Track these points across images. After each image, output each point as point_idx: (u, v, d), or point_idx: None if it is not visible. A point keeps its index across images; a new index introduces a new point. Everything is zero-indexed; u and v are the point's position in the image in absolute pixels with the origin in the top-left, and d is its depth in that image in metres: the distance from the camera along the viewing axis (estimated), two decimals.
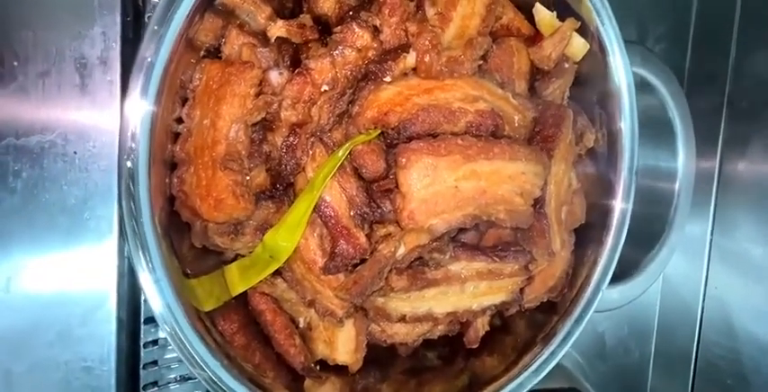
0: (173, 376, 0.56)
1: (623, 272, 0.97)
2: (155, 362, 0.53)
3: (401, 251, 0.50)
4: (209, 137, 0.39)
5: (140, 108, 0.37)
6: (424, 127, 0.44)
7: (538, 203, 0.56)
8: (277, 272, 0.50)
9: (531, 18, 0.59)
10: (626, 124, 0.60)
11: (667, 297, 1.04)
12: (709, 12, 0.92)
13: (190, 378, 0.59)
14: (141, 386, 0.50)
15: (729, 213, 0.97)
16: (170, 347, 0.51)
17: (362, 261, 0.47)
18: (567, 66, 0.58)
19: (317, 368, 0.55)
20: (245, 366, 0.47)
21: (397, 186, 0.44)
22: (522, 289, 0.61)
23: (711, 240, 0.98)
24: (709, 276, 1.02)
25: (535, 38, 0.58)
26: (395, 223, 0.48)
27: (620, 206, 0.62)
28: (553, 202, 0.58)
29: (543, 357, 0.60)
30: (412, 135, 0.44)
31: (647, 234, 0.99)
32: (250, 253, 0.48)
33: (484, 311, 0.59)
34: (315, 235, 0.45)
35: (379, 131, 0.45)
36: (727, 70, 0.94)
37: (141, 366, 0.50)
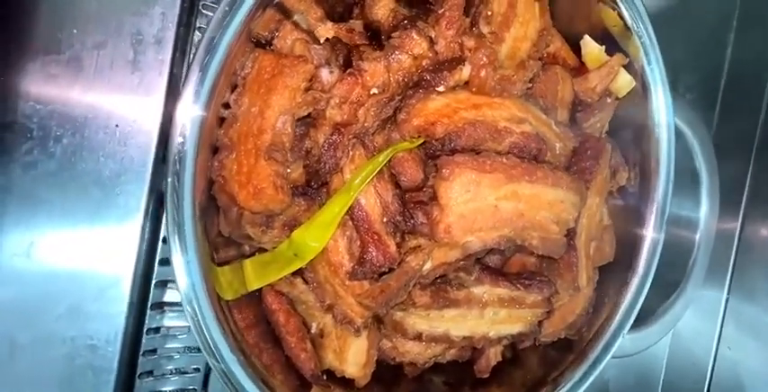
0: (170, 367, 0.52)
1: (637, 320, 0.92)
2: (154, 351, 0.49)
3: (428, 266, 0.47)
4: (256, 125, 0.37)
5: (200, 90, 0.36)
6: (469, 142, 0.41)
7: (569, 235, 0.53)
8: (298, 272, 0.47)
9: (576, 50, 0.57)
10: (662, 167, 0.57)
11: (677, 351, 0.98)
12: (742, 68, 0.90)
13: (186, 372, 0.55)
14: (138, 373, 0.46)
15: (747, 276, 0.92)
16: (173, 335, 0.48)
17: (389, 270, 0.44)
18: (609, 100, 0.56)
19: (324, 377, 0.51)
20: (257, 364, 0.44)
21: (434, 198, 0.41)
22: (540, 322, 0.57)
23: (727, 299, 0.92)
24: (722, 335, 0.96)
25: (579, 70, 0.56)
26: (425, 236, 0.45)
27: (649, 249, 0.58)
28: (584, 236, 0.54)
29: None
30: (455, 148, 0.41)
31: (664, 282, 0.94)
32: (273, 248, 0.46)
33: (500, 340, 0.54)
34: (344, 237, 0.42)
35: (422, 141, 0.43)
36: (756, 129, 0.91)
37: (141, 352, 0.46)
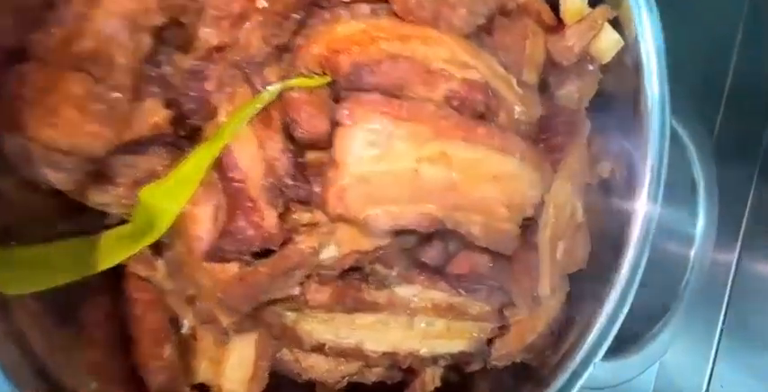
0: None
1: (618, 346, 0.80)
2: None
3: (331, 252, 0.35)
4: (78, 28, 0.27)
5: None
6: (388, 81, 0.30)
7: (528, 228, 0.41)
8: (161, 250, 0.36)
9: (555, 9, 0.47)
10: (652, 158, 0.45)
11: (663, 387, 0.85)
12: (748, 70, 0.79)
13: None
14: None
15: (745, 307, 0.80)
16: None
17: (268, 253, 0.32)
18: (590, 67, 0.45)
19: None
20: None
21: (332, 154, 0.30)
22: (490, 341, 0.45)
23: (721, 331, 0.79)
24: (714, 372, 0.83)
25: (556, 30, 0.45)
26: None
27: (632, 259, 0.46)
28: (548, 231, 0.42)
29: None
30: (367, 87, 0.30)
31: (651, 305, 0.81)
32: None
33: (435, 360, 0.42)
34: (210, 204, 0.30)
35: (329, 80, 0.32)
36: (762, 135, 0.80)
37: None
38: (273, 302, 0.31)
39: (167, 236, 0.32)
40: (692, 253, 0.76)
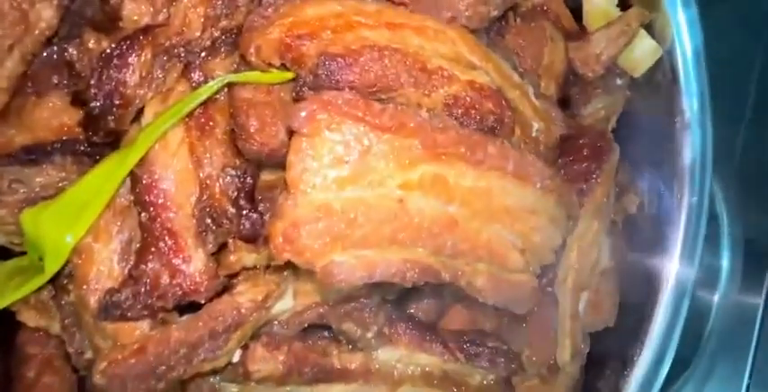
0: None
1: None
2: None
3: (287, 304, 0.26)
4: None
5: None
6: (368, 79, 0.22)
7: (545, 277, 0.33)
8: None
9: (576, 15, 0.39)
10: (688, 191, 0.37)
11: None
12: None
13: None
14: None
15: None
16: None
17: (194, 307, 0.23)
18: (620, 82, 0.38)
19: None
20: None
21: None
22: None
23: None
24: None
25: (578, 37, 0.38)
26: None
27: (664, 317, 0.36)
28: (570, 281, 0.34)
29: None
30: (340, 86, 0.23)
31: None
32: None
33: None
34: (118, 238, 0.23)
35: (291, 76, 0.24)
36: None
37: None
38: (199, 375, 0.23)
39: (67, 276, 0.23)
40: (716, 297, 0.67)
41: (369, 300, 0.26)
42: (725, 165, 0.65)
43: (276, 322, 0.24)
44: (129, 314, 0.19)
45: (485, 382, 0.30)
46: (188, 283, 0.19)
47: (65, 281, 0.23)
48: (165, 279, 0.19)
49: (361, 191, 0.20)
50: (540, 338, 0.31)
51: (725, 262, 0.63)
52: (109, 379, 0.19)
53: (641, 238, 0.40)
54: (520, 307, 0.26)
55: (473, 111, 0.24)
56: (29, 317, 0.25)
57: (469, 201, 0.21)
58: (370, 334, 0.25)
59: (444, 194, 0.21)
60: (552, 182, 0.23)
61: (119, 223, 0.21)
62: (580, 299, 0.33)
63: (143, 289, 0.19)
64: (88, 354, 0.23)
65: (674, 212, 0.36)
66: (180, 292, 0.19)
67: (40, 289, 0.25)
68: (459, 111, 0.23)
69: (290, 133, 0.22)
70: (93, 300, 0.20)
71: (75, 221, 0.21)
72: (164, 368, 0.19)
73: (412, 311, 0.31)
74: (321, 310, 0.24)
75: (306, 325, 0.25)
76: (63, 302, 0.23)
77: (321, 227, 0.19)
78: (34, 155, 0.23)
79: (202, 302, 0.21)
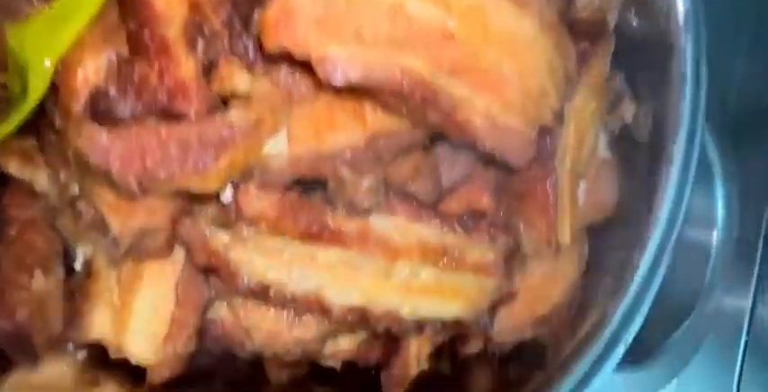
0: None
1: (634, 358, 0.68)
2: None
3: (280, 146, 0.25)
4: None
5: None
6: None
7: (543, 149, 0.32)
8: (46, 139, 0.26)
9: None
10: (683, 106, 0.37)
11: None
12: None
13: None
14: None
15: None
16: None
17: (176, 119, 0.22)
18: None
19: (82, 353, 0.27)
20: None
21: None
22: (493, 309, 0.35)
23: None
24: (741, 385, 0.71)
25: None
26: (273, 81, 0.24)
27: (661, 225, 0.36)
28: (569, 160, 0.33)
29: None
30: None
31: (673, 306, 0.71)
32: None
33: (421, 326, 0.31)
34: (104, 54, 0.22)
35: None
36: None
37: None
38: (191, 205, 0.21)
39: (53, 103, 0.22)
40: (714, 233, 0.66)
41: (365, 152, 0.25)
42: (717, 113, 0.65)
43: (268, 168, 0.23)
44: (116, 111, 0.18)
45: (484, 260, 0.30)
46: (177, 85, 0.19)
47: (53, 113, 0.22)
48: (153, 79, 0.18)
49: None
50: (538, 214, 0.30)
51: (720, 205, 0.64)
52: (89, 143, 0.17)
53: (636, 156, 0.40)
54: (515, 156, 0.25)
55: None
56: (11, 165, 0.24)
57: (466, 17, 0.21)
58: (365, 184, 0.25)
59: (443, 5, 0.20)
60: (551, 17, 0.23)
61: (104, 42, 0.21)
62: (578, 186, 0.33)
63: (130, 87, 0.18)
64: (74, 190, 0.22)
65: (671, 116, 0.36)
66: (168, 94, 0.19)
67: (23, 134, 0.24)
68: None
69: None
70: (77, 103, 0.19)
71: (61, 34, 0.20)
72: (151, 159, 0.18)
73: (413, 190, 0.31)
74: (315, 158, 0.24)
75: (298, 175, 0.24)
76: (47, 139, 0.22)
77: (317, 14, 0.18)
78: None
79: (191, 114, 0.20)
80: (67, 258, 0.27)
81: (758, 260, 0.67)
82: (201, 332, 0.30)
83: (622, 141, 0.39)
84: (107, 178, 0.18)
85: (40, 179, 0.25)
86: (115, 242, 0.21)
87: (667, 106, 0.37)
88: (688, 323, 0.67)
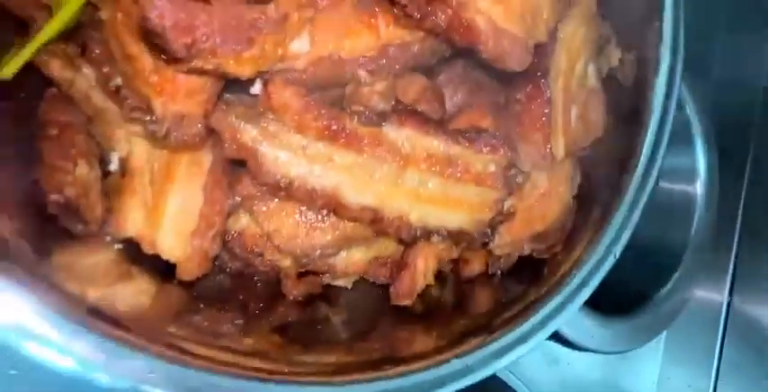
0: None
1: (626, 307, 0.71)
2: None
3: (302, 45, 0.27)
4: None
5: None
6: None
7: (538, 66, 0.35)
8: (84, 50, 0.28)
9: None
10: (665, 49, 0.40)
11: (672, 354, 0.75)
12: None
13: None
14: None
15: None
16: None
17: None
18: None
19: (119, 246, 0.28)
20: None
21: None
22: (494, 224, 0.37)
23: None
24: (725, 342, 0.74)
25: None
26: None
27: (651, 139, 0.38)
28: (561, 81, 0.36)
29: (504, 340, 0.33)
30: None
31: (661, 261, 0.74)
32: None
33: (428, 234, 0.33)
34: None
35: None
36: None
37: None
38: (227, 101, 0.23)
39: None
40: (698, 186, 0.69)
41: (378, 59, 0.28)
42: (698, 80, 0.69)
43: (292, 67, 0.26)
44: None
45: (486, 171, 0.32)
46: None
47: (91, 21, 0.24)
48: None
49: None
50: (534, 128, 0.33)
51: (701, 161, 0.67)
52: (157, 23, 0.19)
53: (621, 101, 0.43)
54: (514, 61, 0.27)
55: None
56: (54, 67, 0.26)
57: None
58: (379, 87, 0.27)
59: None
60: None
61: None
62: (570, 109, 0.36)
63: None
64: (117, 80, 0.24)
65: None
66: None
67: (66, 40, 0.26)
68: None
69: None
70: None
71: None
72: (193, 22, 0.20)
73: (421, 109, 0.33)
74: (335, 59, 0.26)
75: (319, 75, 0.26)
76: (91, 36, 0.24)
77: None
78: None
79: None
80: (102, 163, 0.29)
81: (740, 212, 0.71)
82: (224, 241, 0.32)
83: (610, 82, 0.42)
84: (160, 40, 0.20)
85: (80, 81, 0.27)
86: (158, 121, 0.23)
87: (648, 51, 0.41)
88: (677, 275, 0.71)
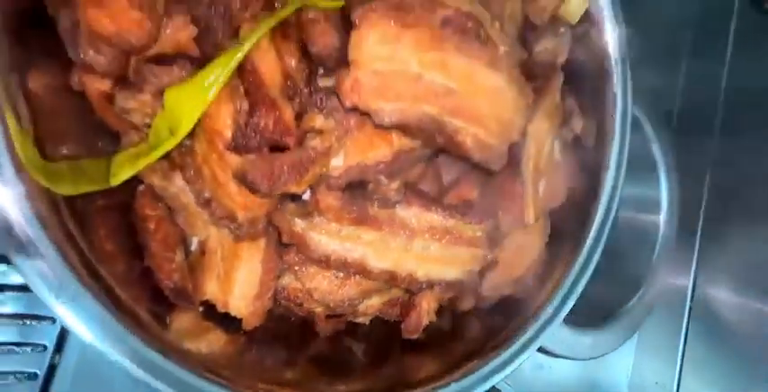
0: None
1: (599, 319, 0.81)
2: None
3: (338, 161, 0.37)
4: None
5: None
6: (393, 1, 0.34)
7: (513, 157, 0.44)
8: (176, 166, 0.37)
9: None
10: (618, 106, 0.50)
11: (642, 359, 0.86)
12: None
13: None
14: None
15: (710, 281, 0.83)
16: None
17: (283, 150, 0.34)
18: (562, 30, 0.50)
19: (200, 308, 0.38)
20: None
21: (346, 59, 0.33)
22: (482, 273, 0.47)
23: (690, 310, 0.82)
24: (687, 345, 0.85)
25: None
26: (335, 121, 0.35)
27: (605, 201, 0.48)
28: (531, 164, 0.46)
29: (498, 361, 0.43)
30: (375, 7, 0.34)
31: (625, 278, 0.85)
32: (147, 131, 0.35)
33: (431, 285, 0.43)
34: (231, 104, 0.33)
35: (341, 4, 0.35)
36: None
37: None
38: (283, 201, 0.33)
39: (188, 138, 0.33)
40: (661, 215, 0.79)
41: (394, 165, 0.37)
42: (662, 120, 0.79)
43: (331, 175, 0.35)
44: (250, 144, 0.29)
45: (475, 236, 0.42)
46: (284, 126, 0.30)
47: (187, 142, 0.33)
48: (270, 122, 0.30)
49: (395, 66, 0.31)
50: (511, 204, 0.42)
51: (664, 194, 0.78)
52: (251, 173, 0.28)
53: (585, 157, 0.53)
54: (494, 164, 0.37)
55: (459, 27, 0.35)
56: (155, 179, 0.35)
57: (461, 79, 0.33)
58: (394, 185, 0.36)
59: (444, 72, 0.32)
60: (514, 76, 0.35)
61: (231, 96, 0.32)
62: (540, 182, 0.45)
63: (258, 128, 0.29)
64: (206, 193, 0.33)
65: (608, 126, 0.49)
66: (279, 130, 0.30)
67: (162, 158, 0.35)
68: (451, 28, 0.35)
69: (342, 43, 0.33)
70: (221, 140, 0.30)
71: (203, 95, 0.31)
72: (279, 175, 0.29)
73: (423, 188, 0.43)
74: (362, 169, 0.35)
75: (351, 179, 0.35)
76: (182, 161, 0.33)
77: (373, 84, 0.30)
78: (165, 60, 0.33)
79: (290, 145, 0.31)
80: (183, 244, 0.38)
81: (698, 240, 0.82)
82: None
83: (575, 146, 0.52)
84: (252, 185, 0.29)
85: (171, 187, 0.35)
86: (240, 226, 0.32)
87: (605, 117, 0.51)
88: (640, 293, 0.82)
